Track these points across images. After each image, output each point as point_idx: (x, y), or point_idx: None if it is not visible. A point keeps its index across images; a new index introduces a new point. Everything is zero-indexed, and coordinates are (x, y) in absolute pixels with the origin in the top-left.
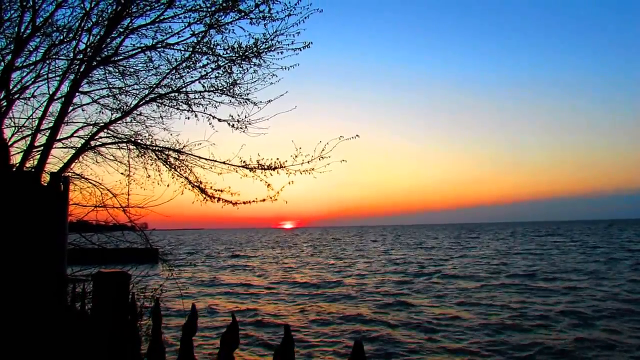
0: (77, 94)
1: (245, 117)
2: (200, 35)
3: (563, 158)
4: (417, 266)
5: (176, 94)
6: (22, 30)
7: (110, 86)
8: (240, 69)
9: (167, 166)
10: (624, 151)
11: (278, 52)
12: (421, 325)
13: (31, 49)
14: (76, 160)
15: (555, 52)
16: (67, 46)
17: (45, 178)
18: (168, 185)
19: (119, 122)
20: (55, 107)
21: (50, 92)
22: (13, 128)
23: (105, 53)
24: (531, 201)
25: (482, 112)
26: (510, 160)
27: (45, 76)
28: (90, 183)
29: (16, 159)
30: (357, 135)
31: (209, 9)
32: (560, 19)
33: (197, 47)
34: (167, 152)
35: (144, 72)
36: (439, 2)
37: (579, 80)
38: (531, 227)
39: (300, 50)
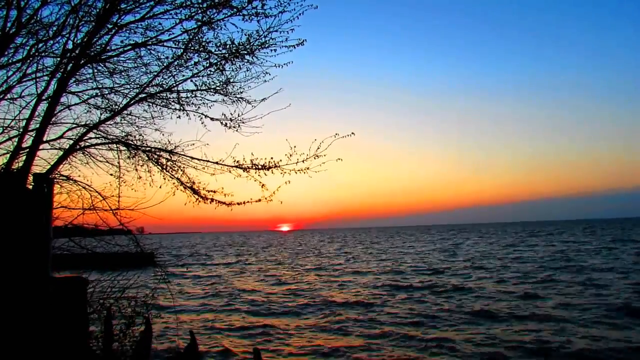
0: (65, 93)
1: (239, 115)
2: (192, 33)
3: (546, 161)
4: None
5: (167, 93)
6: (7, 27)
7: (100, 86)
8: (233, 66)
9: (159, 167)
10: (604, 153)
11: (272, 50)
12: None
13: (18, 48)
14: (64, 162)
15: (540, 54)
16: (55, 44)
17: (31, 180)
18: (160, 187)
19: (109, 122)
20: (43, 107)
21: (38, 92)
22: None
23: (94, 51)
24: (523, 202)
25: (467, 116)
26: (501, 162)
27: (33, 75)
28: (80, 185)
29: (2, 160)
30: (352, 133)
31: (201, 5)
32: (553, 20)
33: (190, 44)
34: (158, 153)
35: (134, 70)
36: (427, 10)
37: (566, 83)
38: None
39: (295, 47)
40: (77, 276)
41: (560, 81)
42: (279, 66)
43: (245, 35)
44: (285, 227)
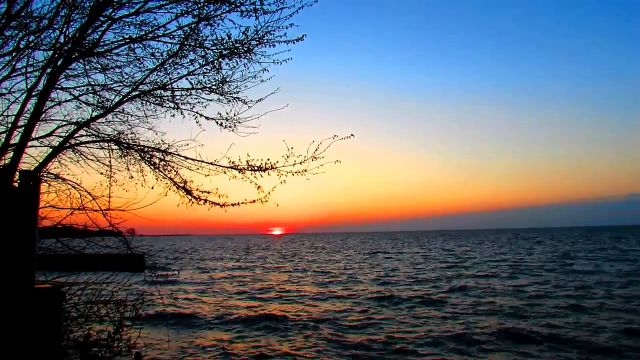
0: (56, 89)
1: (235, 115)
2: (189, 29)
3: (544, 167)
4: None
5: (162, 91)
6: None
7: (92, 82)
8: (231, 62)
9: (151, 167)
10: (597, 161)
11: (270, 46)
12: None
13: (7, 41)
14: (54, 160)
15: (538, 60)
16: (46, 38)
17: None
18: (153, 187)
19: (100, 120)
20: (33, 103)
21: (28, 87)
22: None
23: (87, 45)
24: (514, 208)
25: (465, 122)
26: (495, 168)
27: (23, 70)
28: (69, 184)
29: None
30: (351, 135)
31: (198, 0)
32: (549, 27)
33: (186, 41)
34: (151, 152)
35: (128, 67)
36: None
37: (561, 91)
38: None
39: (294, 42)
40: (52, 287)
41: (555, 89)
42: (277, 63)
43: (243, 34)
44: (277, 231)
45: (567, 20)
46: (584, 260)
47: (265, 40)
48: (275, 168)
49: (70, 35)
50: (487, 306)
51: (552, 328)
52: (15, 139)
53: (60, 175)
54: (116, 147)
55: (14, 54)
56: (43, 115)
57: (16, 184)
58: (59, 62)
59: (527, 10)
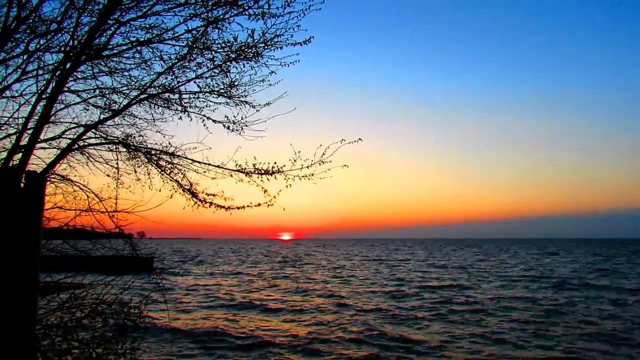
0: (65, 92)
1: (242, 118)
2: (197, 32)
3: (552, 176)
4: None
5: (169, 94)
6: (8, 22)
7: (100, 85)
8: (239, 66)
9: (159, 169)
10: (606, 173)
11: (278, 49)
12: None
13: (18, 44)
14: (62, 161)
15: (545, 66)
16: (56, 41)
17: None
18: (160, 190)
19: (108, 122)
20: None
21: (39, 90)
22: None
23: (95, 48)
24: (524, 218)
25: (472, 129)
26: (498, 177)
27: (34, 73)
28: (76, 186)
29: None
30: (359, 139)
31: (206, 3)
32: (558, 35)
33: (194, 44)
34: (159, 155)
35: (136, 70)
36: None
37: (571, 98)
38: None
39: (301, 45)
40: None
41: (563, 97)
42: (285, 65)
43: (251, 37)
44: (285, 236)
45: (579, 28)
46: None
47: (273, 43)
48: (282, 172)
49: (79, 38)
50: None
51: None
52: (25, 140)
53: (68, 177)
54: (124, 149)
55: (24, 57)
56: (52, 118)
57: (22, 185)
58: (68, 65)
59: (536, 17)
